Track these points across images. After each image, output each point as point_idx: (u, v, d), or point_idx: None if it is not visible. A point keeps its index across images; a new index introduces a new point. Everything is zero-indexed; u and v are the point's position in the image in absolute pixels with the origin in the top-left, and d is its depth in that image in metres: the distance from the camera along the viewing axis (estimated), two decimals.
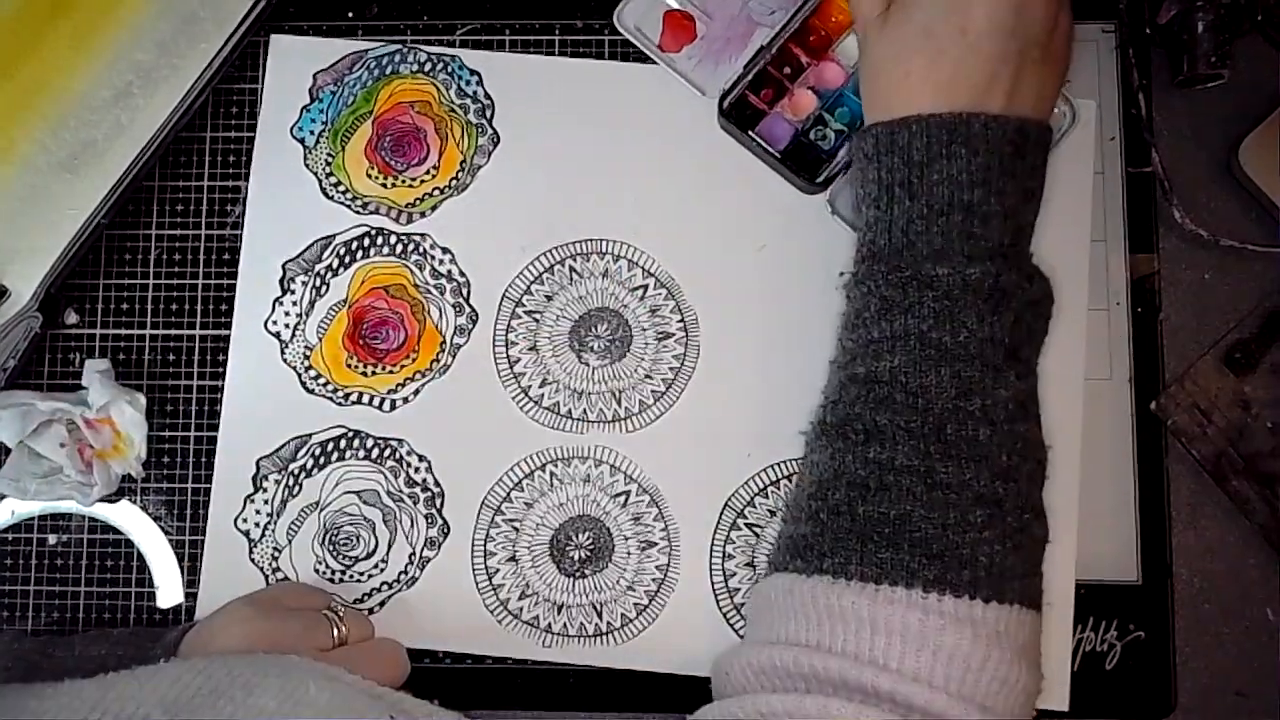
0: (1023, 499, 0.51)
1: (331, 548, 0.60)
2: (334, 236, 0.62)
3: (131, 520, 0.61)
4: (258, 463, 0.61)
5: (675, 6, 0.63)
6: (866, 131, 0.54)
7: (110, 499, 0.61)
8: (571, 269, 0.62)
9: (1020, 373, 0.51)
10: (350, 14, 0.64)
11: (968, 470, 0.49)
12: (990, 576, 0.48)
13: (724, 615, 0.59)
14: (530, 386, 0.61)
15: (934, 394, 0.50)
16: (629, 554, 0.60)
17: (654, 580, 0.60)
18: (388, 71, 0.64)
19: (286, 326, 0.62)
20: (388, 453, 0.61)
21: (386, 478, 0.61)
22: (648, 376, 0.61)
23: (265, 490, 0.61)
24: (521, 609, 0.60)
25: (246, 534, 0.60)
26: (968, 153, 0.51)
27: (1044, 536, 0.52)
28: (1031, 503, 0.52)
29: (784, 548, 0.53)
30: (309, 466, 0.61)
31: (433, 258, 0.62)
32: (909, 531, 0.49)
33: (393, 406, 0.61)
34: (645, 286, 0.62)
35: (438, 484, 0.61)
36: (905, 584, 0.48)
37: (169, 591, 0.61)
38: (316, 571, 0.60)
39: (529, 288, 0.62)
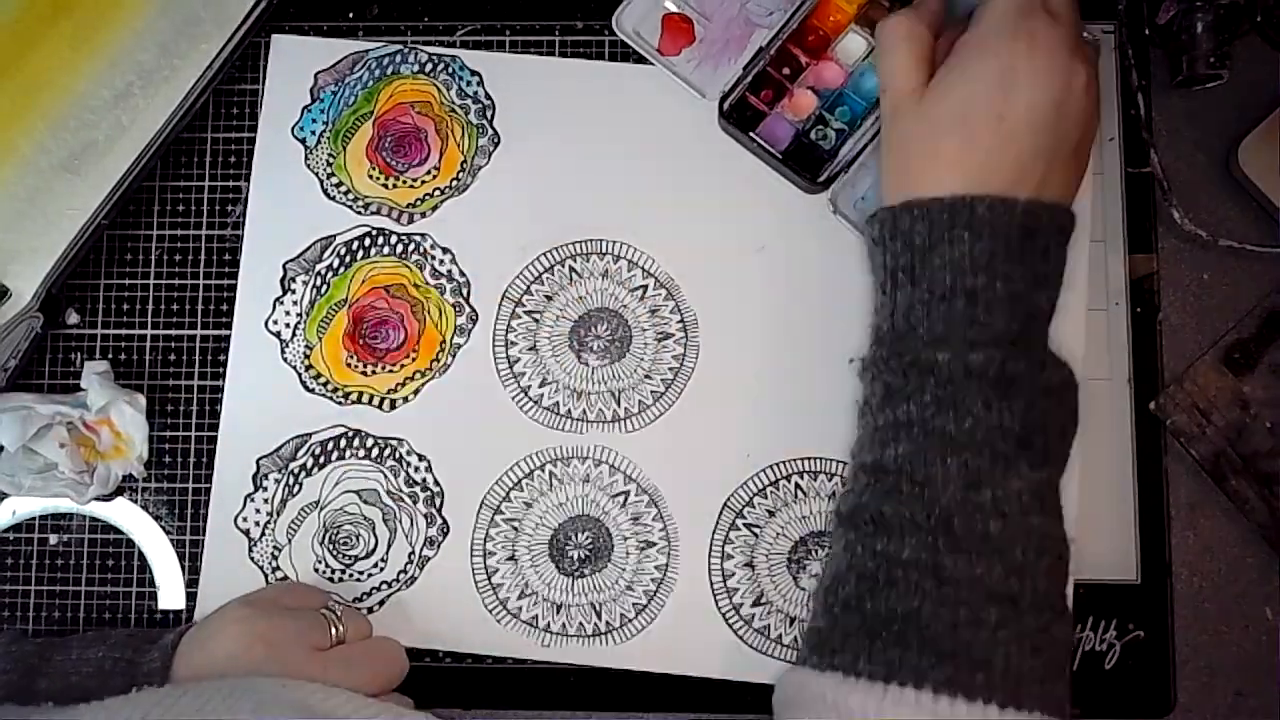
0: (1041, 597, 0.48)
1: (331, 547, 0.61)
2: (334, 236, 0.62)
3: (132, 520, 0.61)
4: (258, 462, 0.61)
5: (673, 9, 0.63)
6: (874, 216, 0.53)
7: (108, 498, 0.61)
8: (571, 269, 0.62)
9: (1034, 462, 0.49)
10: (350, 14, 0.64)
11: (978, 565, 0.47)
12: (1007, 680, 0.46)
13: (723, 615, 0.59)
14: (530, 386, 0.61)
15: (940, 484, 0.48)
16: (628, 554, 0.60)
17: (653, 580, 0.60)
18: (389, 72, 0.64)
19: (287, 326, 0.62)
20: (387, 452, 0.61)
21: (386, 477, 0.61)
22: (647, 377, 0.61)
23: (265, 489, 0.61)
24: (521, 608, 0.60)
25: (246, 533, 0.61)
26: (970, 237, 0.49)
27: (1068, 639, 0.50)
28: (1051, 601, 0.49)
29: (805, 641, 0.52)
30: (309, 466, 0.61)
31: (433, 258, 0.62)
32: (918, 629, 0.47)
33: (393, 406, 0.61)
34: (645, 287, 0.62)
35: (437, 483, 0.61)
36: (914, 684, 0.46)
37: (170, 591, 0.61)
38: (316, 570, 0.60)
39: (529, 288, 0.62)
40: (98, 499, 0.61)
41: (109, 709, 0.45)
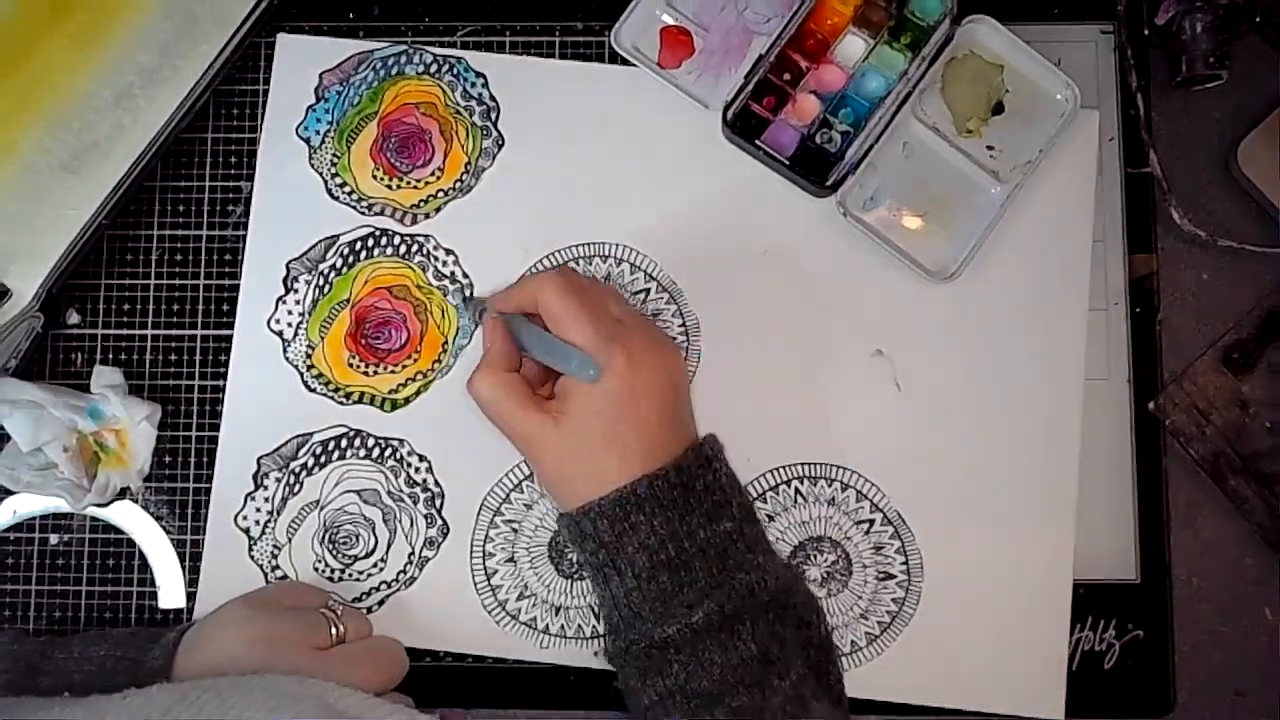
0: None
1: (331, 546, 0.61)
2: (338, 236, 0.62)
3: (133, 520, 0.61)
4: (259, 460, 0.61)
5: (671, 22, 0.63)
6: (559, 521, 0.56)
7: (102, 505, 0.61)
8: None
9: (781, 673, 0.52)
10: (351, 15, 0.64)
11: None
12: None
13: None
14: None
15: None
16: None
17: None
18: (393, 72, 0.64)
19: (289, 325, 0.62)
20: (388, 452, 0.61)
21: (387, 477, 0.61)
22: None
23: (266, 488, 0.61)
24: (519, 610, 0.60)
25: (246, 531, 0.61)
26: (646, 518, 0.53)
27: None
28: None
29: None
30: (310, 465, 0.61)
31: (436, 259, 0.62)
32: None
33: (394, 407, 0.61)
34: (647, 290, 0.62)
35: (438, 484, 0.61)
36: None
37: (170, 591, 0.61)
38: (316, 570, 0.60)
39: None
40: (94, 506, 0.60)
41: (130, 704, 0.45)
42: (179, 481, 0.62)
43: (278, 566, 0.60)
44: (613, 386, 0.53)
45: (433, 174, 0.63)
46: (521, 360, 0.57)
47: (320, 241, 0.62)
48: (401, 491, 0.61)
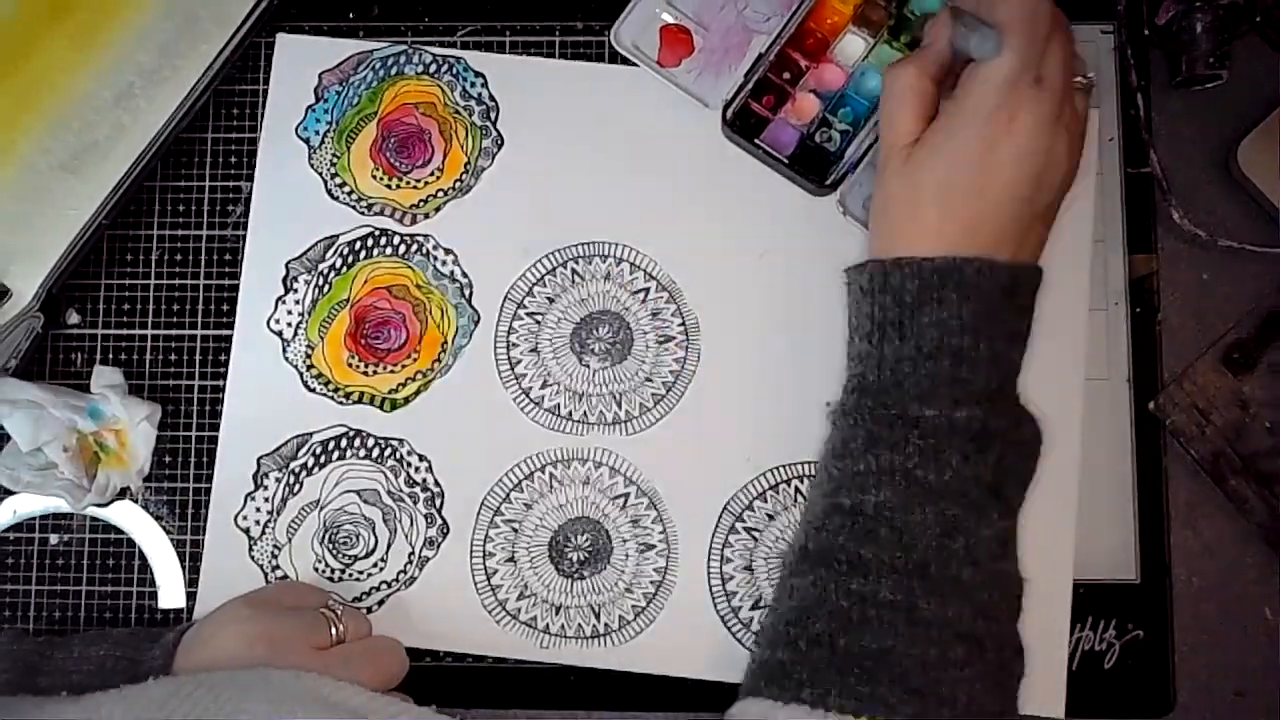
0: (1004, 637, 0.51)
1: (331, 546, 0.61)
2: (337, 236, 0.62)
3: (133, 520, 0.61)
4: (258, 460, 0.61)
5: (670, 21, 0.63)
6: (862, 267, 0.54)
7: (102, 506, 0.61)
8: (574, 271, 0.62)
9: (1002, 512, 0.51)
10: (351, 15, 0.65)
11: (950, 608, 0.49)
12: (969, 715, 0.48)
13: (721, 618, 0.59)
14: (531, 388, 0.61)
15: (918, 531, 0.50)
16: (627, 556, 0.60)
17: (652, 583, 0.60)
18: (393, 72, 0.64)
19: (289, 325, 0.62)
20: (388, 452, 0.61)
21: (387, 477, 0.61)
22: (648, 379, 0.61)
23: (266, 488, 0.61)
24: (520, 610, 0.60)
25: (246, 531, 0.61)
26: (959, 298, 0.51)
27: (1021, 673, 0.52)
28: (1010, 640, 0.51)
29: (758, 673, 0.52)
30: (310, 465, 0.61)
31: (435, 259, 0.62)
32: (890, 666, 0.48)
33: (394, 407, 0.61)
34: (647, 290, 0.62)
35: (438, 484, 0.61)
36: (885, 717, 0.47)
37: (170, 592, 0.61)
38: (316, 570, 0.60)
39: (531, 290, 0.62)
40: (94, 506, 0.60)
41: (126, 699, 0.45)
42: (179, 481, 0.62)
43: (278, 566, 0.60)
44: (973, 148, 0.51)
45: (432, 174, 0.63)
46: (945, 79, 0.54)
47: (319, 241, 0.63)
48: (401, 491, 0.61)
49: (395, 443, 0.61)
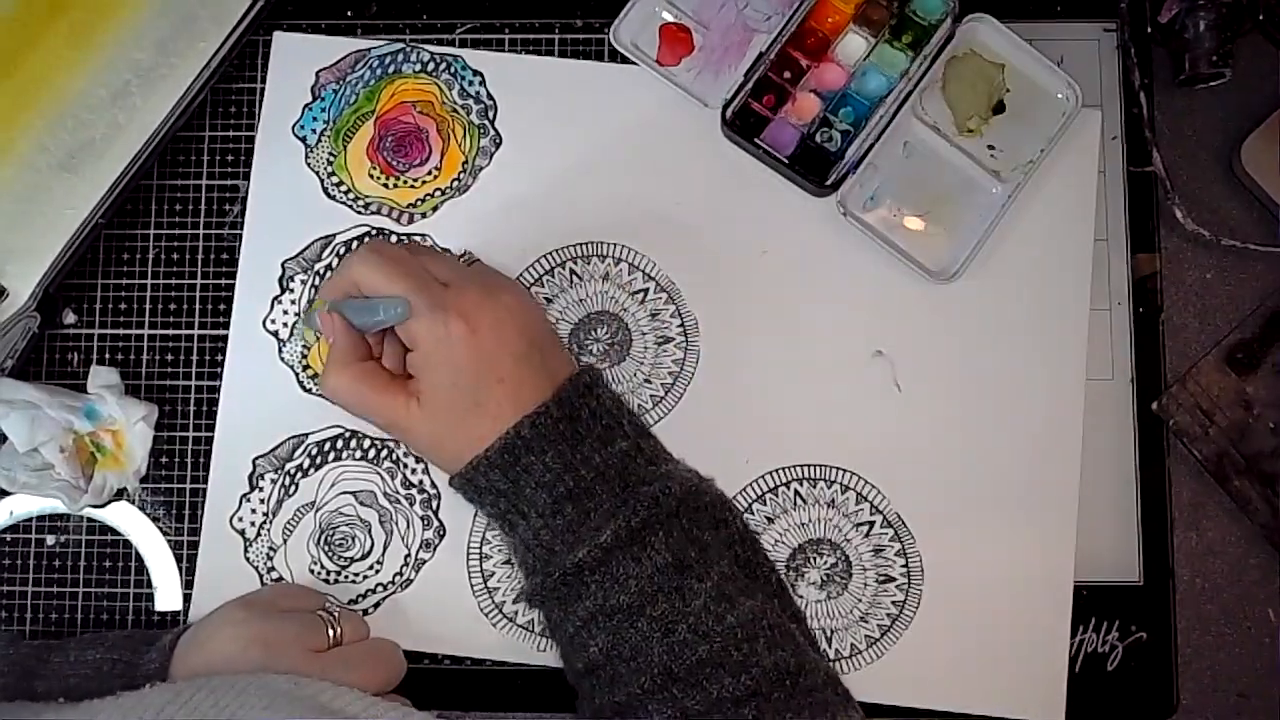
0: (776, 668, 0.51)
1: (327, 548, 0.60)
2: (334, 236, 0.62)
3: (130, 521, 0.61)
4: (254, 462, 0.61)
5: (670, 19, 0.63)
6: (451, 484, 0.54)
7: (99, 507, 0.61)
8: (572, 271, 0.62)
9: (700, 575, 0.52)
10: (349, 13, 0.64)
11: (713, 687, 0.50)
12: None
13: None
14: None
15: (644, 647, 0.51)
16: None
17: None
18: (390, 71, 0.63)
19: (285, 325, 0.62)
20: (384, 453, 0.61)
21: (383, 478, 0.61)
22: (647, 380, 0.61)
23: (261, 489, 0.61)
24: (516, 612, 0.60)
25: (242, 533, 0.60)
26: (537, 457, 0.52)
27: (828, 670, 0.53)
28: (795, 661, 0.51)
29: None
30: (305, 466, 0.61)
31: None
32: None
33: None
34: (645, 290, 0.62)
35: (434, 485, 0.61)
36: None
37: (167, 593, 0.61)
38: (311, 572, 0.60)
39: (529, 290, 0.62)
40: (90, 507, 0.60)
41: (124, 706, 0.45)
42: (176, 482, 0.61)
43: (273, 568, 0.60)
44: (458, 353, 0.52)
45: (430, 173, 0.63)
46: (371, 348, 0.56)
47: (316, 241, 0.62)
48: (398, 493, 0.60)
49: (391, 444, 0.61)
